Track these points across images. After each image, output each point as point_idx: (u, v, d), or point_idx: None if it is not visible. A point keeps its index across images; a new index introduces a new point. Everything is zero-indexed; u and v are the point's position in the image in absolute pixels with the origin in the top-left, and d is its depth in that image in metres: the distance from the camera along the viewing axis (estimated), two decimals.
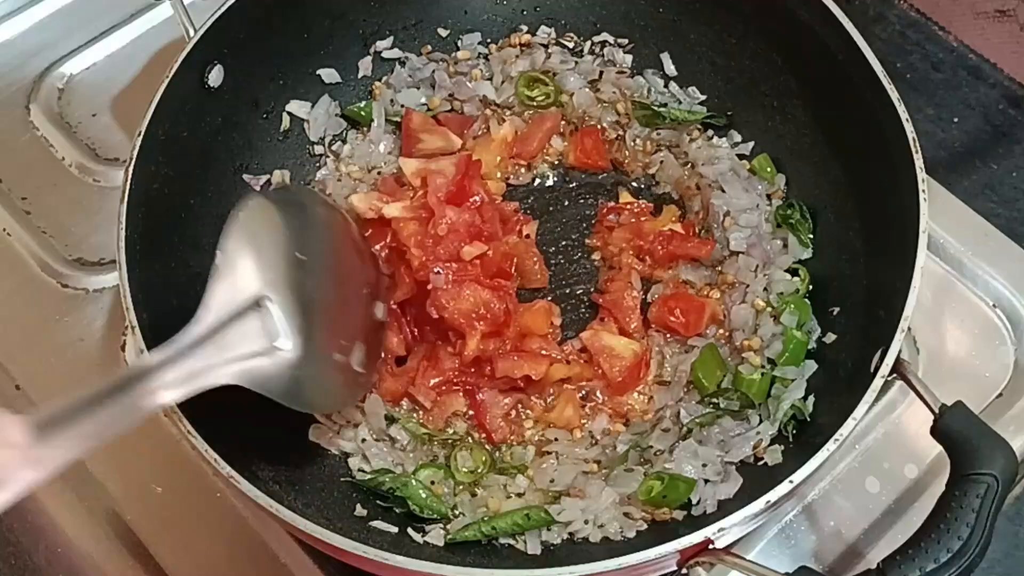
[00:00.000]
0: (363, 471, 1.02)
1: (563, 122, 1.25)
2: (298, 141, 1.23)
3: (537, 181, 1.23)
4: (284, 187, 1.14)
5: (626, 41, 1.28)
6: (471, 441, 1.05)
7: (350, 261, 1.02)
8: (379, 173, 1.22)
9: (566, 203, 1.21)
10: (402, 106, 1.25)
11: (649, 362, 1.09)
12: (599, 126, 1.24)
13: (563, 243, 1.19)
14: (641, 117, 1.22)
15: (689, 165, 1.21)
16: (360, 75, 1.26)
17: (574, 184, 1.23)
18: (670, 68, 1.26)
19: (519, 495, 1.01)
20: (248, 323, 0.82)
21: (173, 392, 0.75)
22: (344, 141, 1.24)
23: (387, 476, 1.00)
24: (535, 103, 1.25)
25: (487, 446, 1.05)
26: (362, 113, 1.24)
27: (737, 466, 1.00)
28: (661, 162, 1.22)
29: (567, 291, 1.15)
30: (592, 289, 1.15)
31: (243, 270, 0.84)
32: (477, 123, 1.24)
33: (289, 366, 0.85)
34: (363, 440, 1.04)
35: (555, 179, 1.23)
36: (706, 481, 0.99)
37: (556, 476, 1.01)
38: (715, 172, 1.18)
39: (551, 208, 1.21)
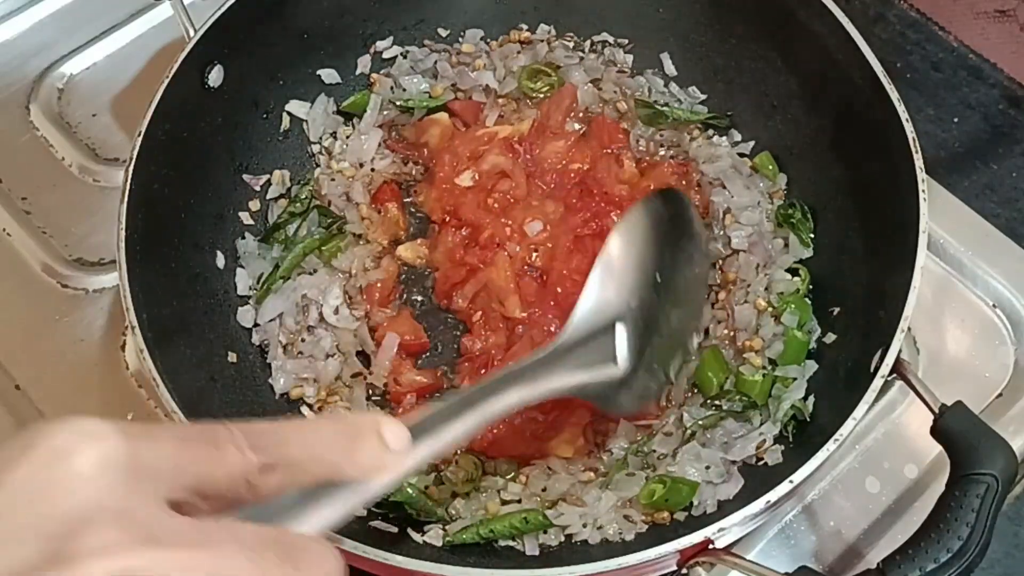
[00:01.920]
0: None
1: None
2: (298, 141, 1.23)
3: None
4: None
5: (626, 41, 1.28)
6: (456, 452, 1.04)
7: (693, 277, 1.02)
8: (372, 170, 1.22)
9: None
10: (404, 90, 1.25)
11: None
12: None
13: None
14: (644, 116, 1.22)
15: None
16: (359, 72, 1.26)
17: None
18: (670, 68, 1.26)
19: (516, 501, 1.01)
20: (598, 342, 0.84)
21: (525, 395, 0.76)
22: (335, 138, 1.24)
23: None
24: (540, 94, 1.25)
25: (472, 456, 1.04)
26: (356, 104, 1.24)
27: (738, 466, 1.00)
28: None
29: None
30: None
31: (610, 291, 0.87)
32: (487, 109, 1.23)
33: (616, 381, 0.87)
34: None
35: None
36: (708, 483, 0.99)
37: (548, 485, 1.01)
38: (716, 170, 1.17)
39: None
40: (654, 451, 1.02)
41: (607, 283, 0.88)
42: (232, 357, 1.07)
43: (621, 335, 0.86)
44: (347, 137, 1.24)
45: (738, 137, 1.21)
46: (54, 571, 0.44)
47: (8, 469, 0.47)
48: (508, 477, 1.03)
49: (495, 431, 1.03)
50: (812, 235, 1.12)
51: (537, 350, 0.81)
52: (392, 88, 1.25)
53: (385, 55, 1.26)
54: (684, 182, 1.18)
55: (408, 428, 0.58)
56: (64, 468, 0.47)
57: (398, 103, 1.24)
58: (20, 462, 0.47)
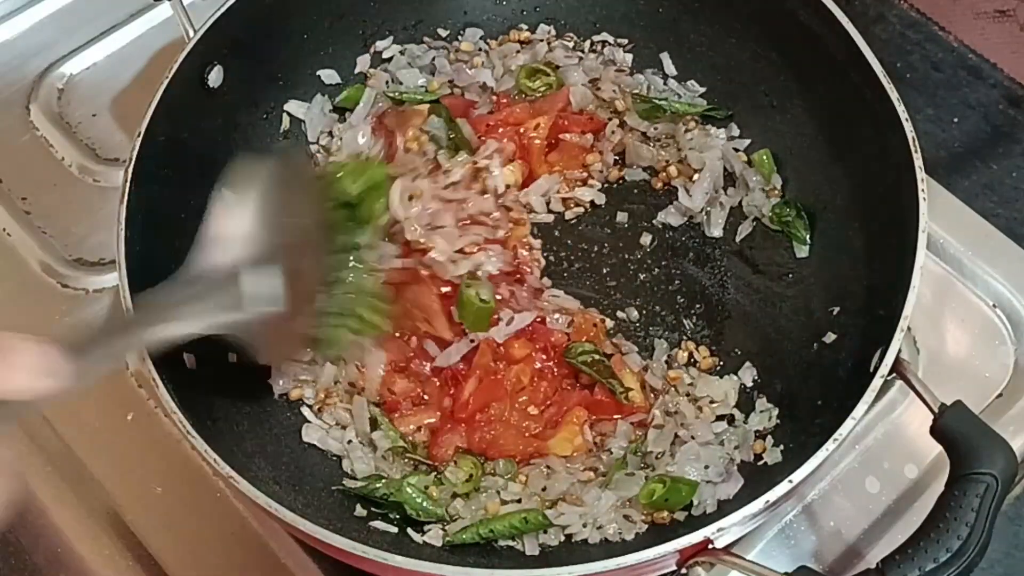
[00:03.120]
0: (353, 478, 1.02)
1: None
2: (298, 141, 1.23)
3: None
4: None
5: (626, 41, 1.28)
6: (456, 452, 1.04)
7: (318, 225, 1.02)
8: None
9: None
10: (400, 83, 1.25)
11: None
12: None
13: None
14: (641, 111, 1.22)
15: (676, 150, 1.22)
16: (358, 72, 1.26)
17: None
18: (670, 68, 1.26)
19: (516, 501, 1.01)
20: (227, 285, 0.85)
21: (163, 332, 0.79)
22: (332, 136, 1.24)
23: (380, 483, 0.99)
24: (537, 93, 1.24)
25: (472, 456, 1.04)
26: (350, 98, 1.24)
27: (738, 466, 1.00)
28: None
29: None
30: None
31: (231, 234, 0.87)
32: (480, 106, 1.23)
33: (254, 323, 0.86)
34: (349, 442, 1.04)
35: None
36: (707, 482, 0.99)
37: (548, 485, 1.01)
38: (701, 159, 1.18)
39: None
40: (651, 451, 1.02)
41: (230, 223, 0.88)
42: (232, 357, 1.07)
43: (249, 280, 0.85)
44: (342, 131, 1.23)
45: (736, 131, 1.21)
46: None
47: None
48: (508, 477, 1.03)
49: (494, 432, 1.03)
50: (809, 234, 1.12)
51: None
52: (388, 83, 1.25)
53: (385, 54, 1.27)
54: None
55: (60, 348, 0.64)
56: None
57: (392, 95, 1.24)
58: None
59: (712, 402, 1.06)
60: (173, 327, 0.80)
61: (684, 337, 1.12)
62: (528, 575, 0.83)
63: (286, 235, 0.90)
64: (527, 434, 1.04)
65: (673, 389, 1.07)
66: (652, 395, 1.07)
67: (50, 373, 0.64)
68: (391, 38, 1.27)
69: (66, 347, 0.66)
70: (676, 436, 1.03)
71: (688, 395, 1.07)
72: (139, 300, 0.79)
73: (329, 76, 1.24)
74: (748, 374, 1.08)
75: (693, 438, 1.02)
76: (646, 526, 0.98)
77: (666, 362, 1.09)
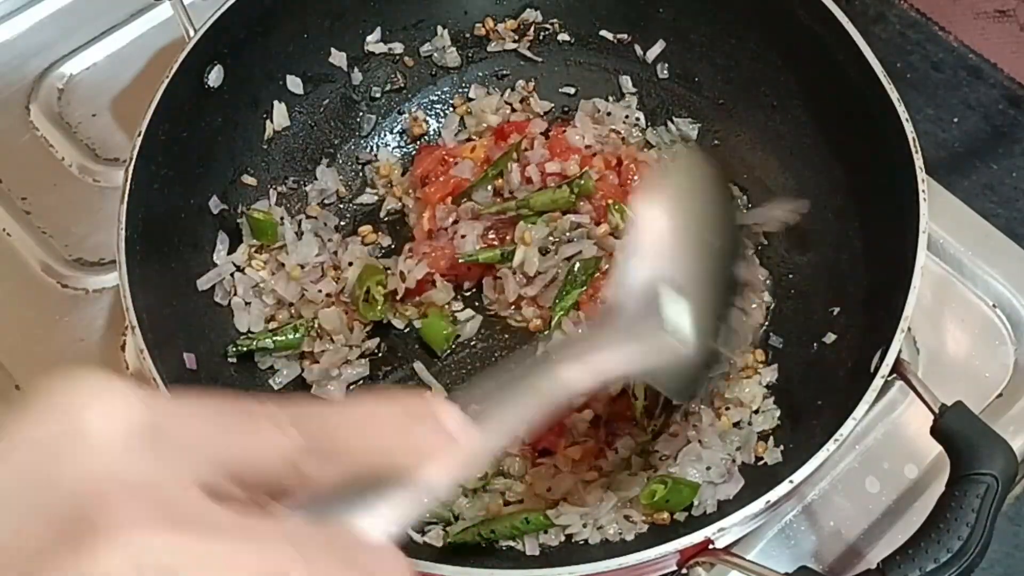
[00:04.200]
0: None
1: None
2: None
3: None
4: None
5: (626, 38, 1.28)
6: None
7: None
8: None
9: None
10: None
11: None
12: None
13: None
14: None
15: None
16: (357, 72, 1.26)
17: None
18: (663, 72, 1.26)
19: (518, 501, 1.01)
20: (647, 315, 0.76)
21: (586, 378, 0.67)
22: None
23: None
24: None
25: None
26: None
27: (739, 467, 1.00)
28: None
29: None
30: None
31: (645, 261, 0.79)
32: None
33: (677, 357, 0.77)
34: None
35: None
36: (708, 483, 0.99)
37: (553, 485, 1.01)
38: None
39: None
40: (657, 451, 1.02)
41: (640, 254, 0.79)
42: (232, 357, 1.08)
43: (670, 303, 0.76)
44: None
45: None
46: (66, 558, 0.35)
47: (9, 434, 0.38)
48: (518, 477, 1.03)
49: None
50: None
51: (589, 331, 0.76)
52: None
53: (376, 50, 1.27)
54: None
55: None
56: (76, 431, 0.38)
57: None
58: (24, 425, 0.39)
59: (740, 405, 1.05)
60: (600, 369, 0.68)
61: None
62: (528, 575, 0.83)
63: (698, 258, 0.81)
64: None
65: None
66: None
67: (458, 442, 0.48)
68: (390, 37, 1.27)
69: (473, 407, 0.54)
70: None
71: (713, 403, 1.06)
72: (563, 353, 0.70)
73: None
74: (769, 374, 1.08)
75: (700, 441, 1.02)
76: (646, 526, 0.98)
77: None
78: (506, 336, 1.12)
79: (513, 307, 1.12)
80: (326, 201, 1.21)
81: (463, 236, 1.12)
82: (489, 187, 1.17)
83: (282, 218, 1.16)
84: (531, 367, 0.63)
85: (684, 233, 0.82)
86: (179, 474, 0.39)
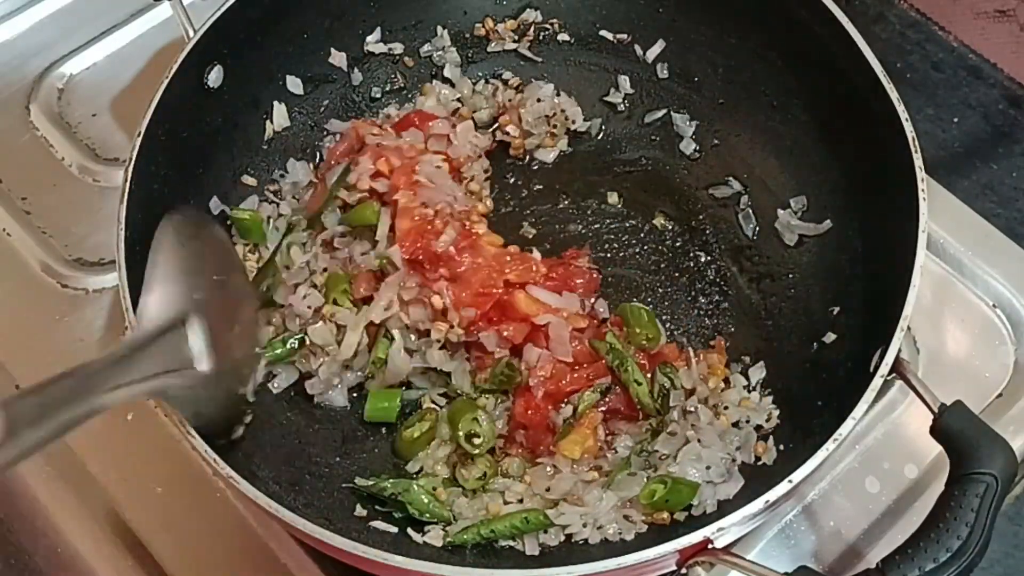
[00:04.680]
0: (363, 477, 1.02)
1: None
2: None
3: None
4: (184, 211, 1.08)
5: (626, 37, 1.28)
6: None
7: (239, 279, 1.06)
8: None
9: None
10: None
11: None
12: None
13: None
14: None
15: None
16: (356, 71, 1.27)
17: None
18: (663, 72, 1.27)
19: (518, 501, 1.01)
20: (170, 340, 0.84)
21: (114, 397, 0.77)
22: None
23: (388, 482, 1.00)
24: None
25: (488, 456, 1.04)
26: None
27: (738, 466, 1.00)
28: None
29: None
30: None
31: (172, 287, 0.87)
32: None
33: (198, 384, 0.86)
34: None
35: None
36: (708, 483, 0.99)
37: (552, 485, 1.01)
38: None
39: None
40: (656, 451, 1.02)
41: (170, 276, 0.88)
42: None
43: (195, 332, 0.85)
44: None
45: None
46: None
47: None
48: (517, 477, 1.03)
49: (529, 411, 1.03)
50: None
51: (107, 351, 0.80)
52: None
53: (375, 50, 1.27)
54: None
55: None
56: None
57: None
58: None
59: (733, 407, 1.05)
60: (121, 393, 0.77)
61: (687, 337, 1.12)
62: (528, 575, 0.83)
63: (206, 291, 0.90)
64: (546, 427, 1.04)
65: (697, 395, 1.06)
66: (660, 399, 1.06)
67: None
68: (390, 36, 1.27)
69: (12, 419, 0.64)
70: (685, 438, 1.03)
71: (708, 401, 1.06)
72: (84, 371, 0.77)
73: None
74: (756, 374, 1.08)
75: (699, 441, 1.02)
76: (646, 526, 0.98)
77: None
78: None
79: None
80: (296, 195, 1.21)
81: None
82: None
83: (269, 217, 1.16)
84: (68, 387, 0.74)
85: (204, 268, 0.91)
86: None
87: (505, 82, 1.29)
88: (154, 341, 0.82)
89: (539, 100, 1.25)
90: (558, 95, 1.26)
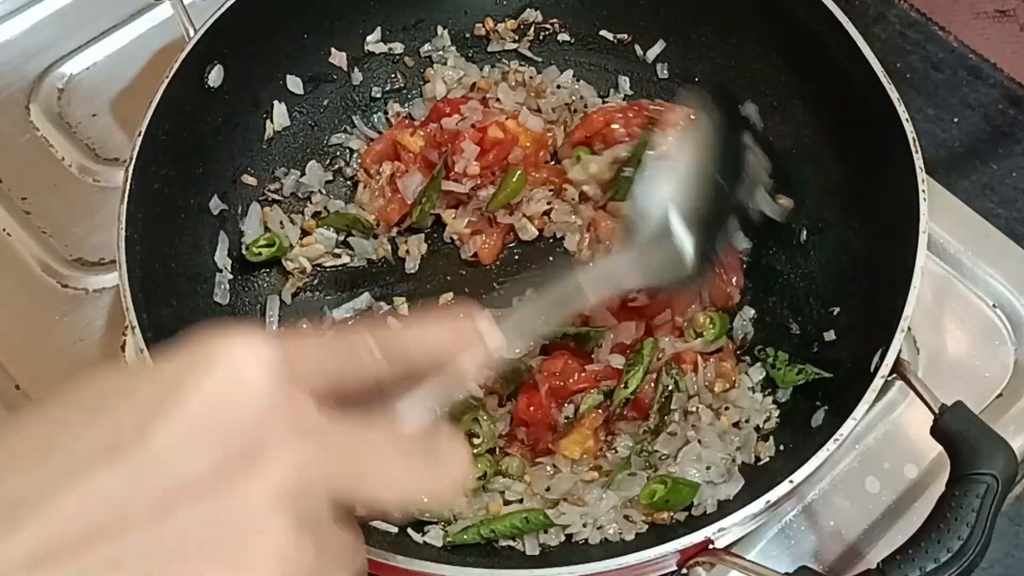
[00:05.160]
0: None
1: None
2: None
3: None
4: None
5: (627, 37, 1.28)
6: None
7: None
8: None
9: None
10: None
11: None
12: None
13: None
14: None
15: None
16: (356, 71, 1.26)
17: None
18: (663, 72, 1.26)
19: (518, 501, 1.01)
20: (662, 236, 0.87)
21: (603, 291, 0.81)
22: None
23: None
24: None
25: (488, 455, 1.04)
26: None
27: (739, 467, 1.00)
28: None
29: None
30: None
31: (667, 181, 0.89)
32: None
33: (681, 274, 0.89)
34: None
35: None
36: (708, 483, 0.99)
37: (552, 484, 1.01)
38: None
39: None
40: (656, 451, 1.02)
41: (657, 179, 0.90)
42: None
43: (679, 225, 0.88)
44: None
45: None
46: (243, 470, 0.48)
47: (188, 390, 0.49)
48: (516, 477, 1.03)
49: (532, 408, 1.03)
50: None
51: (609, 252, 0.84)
52: None
53: (376, 50, 1.27)
54: None
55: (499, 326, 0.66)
56: (242, 386, 0.50)
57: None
58: (199, 384, 0.49)
59: (733, 407, 1.05)
60: (610, 287, 0.82)
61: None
62: (528, 575, 0.83)
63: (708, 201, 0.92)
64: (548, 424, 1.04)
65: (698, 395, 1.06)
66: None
67: (489, 348, 0.65)
68: (391, 36, 1.26)
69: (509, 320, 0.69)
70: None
71: (711, 402, 1.06)
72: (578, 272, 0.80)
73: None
74: (756, 374, 1.08)
75: (699, 441, 1.02)
76: (646, 526, 0.98)
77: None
78: None
79: None
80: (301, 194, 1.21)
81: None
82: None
83: (281, 222, 1.17)
84: (552, 276, 0.78)
85: (696, 167, 0.92)
86: (307, 400, 0.53)
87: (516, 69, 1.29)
88: (647, 244, 0.86)
89: (559, 87, 1.26)
90: (577, 81, 1.27)
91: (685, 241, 0.88)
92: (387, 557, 0.83)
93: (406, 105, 1.27)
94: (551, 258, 1.18)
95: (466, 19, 1.29)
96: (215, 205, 1.13)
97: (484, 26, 1.29)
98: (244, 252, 1.14)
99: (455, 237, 1.19)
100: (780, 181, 1.17)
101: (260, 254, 1.13)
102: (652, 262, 0.86)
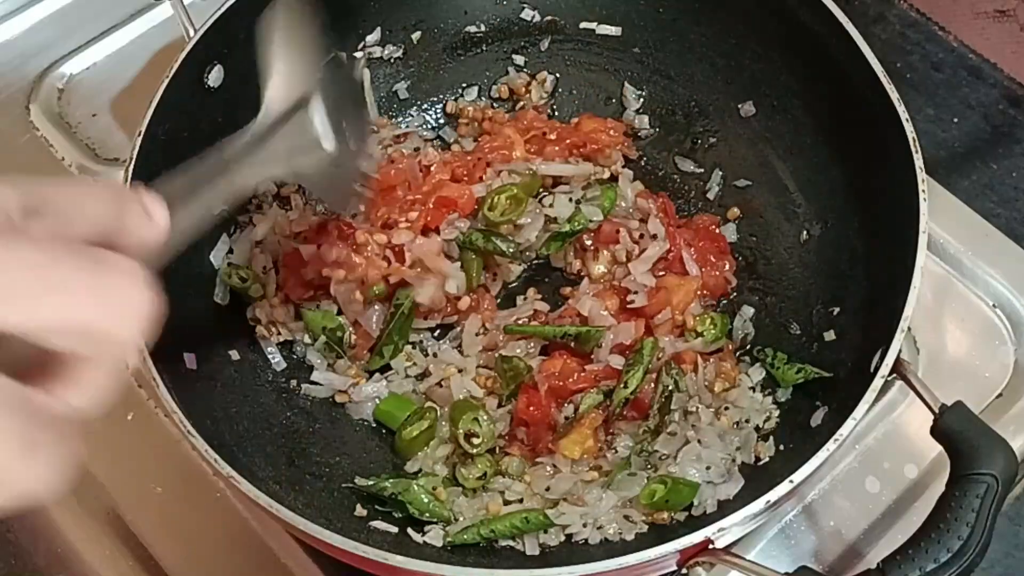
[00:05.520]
0: (363, 477, 1.02)
1: None
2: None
3: None
4: None
5: (619, 30, 1.28)
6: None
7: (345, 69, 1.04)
8: None
9: None
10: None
11: None
12: None
13: None
14: None
15: None
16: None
17: None
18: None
19: (518, 500, 1.01)
20: (298, 120, 0.84)
21: (253, 173, 0.79)
22: None
23: (388, 482, 1.00)
24: None
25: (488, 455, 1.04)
26: None
27: (739, 466, 1.00)
28: None
29: None
30: None
31: (293, 67, 0.86)
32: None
33: (324, 163, 0.86)
34: None
35: None
36: (708, 483, 0.99)
37: (552, 484, 1.01)
38: None
39: None
40: (656, 451, 1.02)
41: (290, 57, 0.87)
42: (233, 355, 1.08)
43: (318, 110, 0.85)
44: None
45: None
46: None
47: None
48: (517, 477, 1.03)
49: (532, 407, 1.03)
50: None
51: (239, 132, 0.82)
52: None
53: (381, 55, 1.26)
54: None
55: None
56: None
57: None
58: None
59: (734, 407, 1.05)
60: (259, 170, 0.79)
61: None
62: (528, 575, 0.83)
63: (322, 60, 0.90)
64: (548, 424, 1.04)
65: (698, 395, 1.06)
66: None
67: (157, 223, 0.63)
68: (390, 37, 1.27)
69: (167, 197, 0.65)
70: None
71: (710, 402, 1.06)
72: (222, 150, 0.79)
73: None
74: (756, 374, 1.08)
75: (699, 441, 1.02)
76: (646, 526, 0.98)
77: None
78: None
79: None
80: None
81: None
82: None
83: (264, 267, 1.16)
84: (210, 167, 0.78)
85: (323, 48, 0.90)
86: None
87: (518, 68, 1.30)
88: (284, 122, 0.83)
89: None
90: None
91: (324, 125, 0.85)
92: (387, 557, 0.83)
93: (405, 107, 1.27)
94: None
95: (466, 19, 1.29)
96: None
97: (484, 26, 1.29)
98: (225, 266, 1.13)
99: None
100: (780, 181, 1.18)
101: (231, 277, 1.11)
102: (296, 146, 0.83)
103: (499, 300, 1.15)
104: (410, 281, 1.09)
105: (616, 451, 1.04)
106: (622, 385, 1.02)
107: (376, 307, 1.10)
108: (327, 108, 0.85)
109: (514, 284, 1.17)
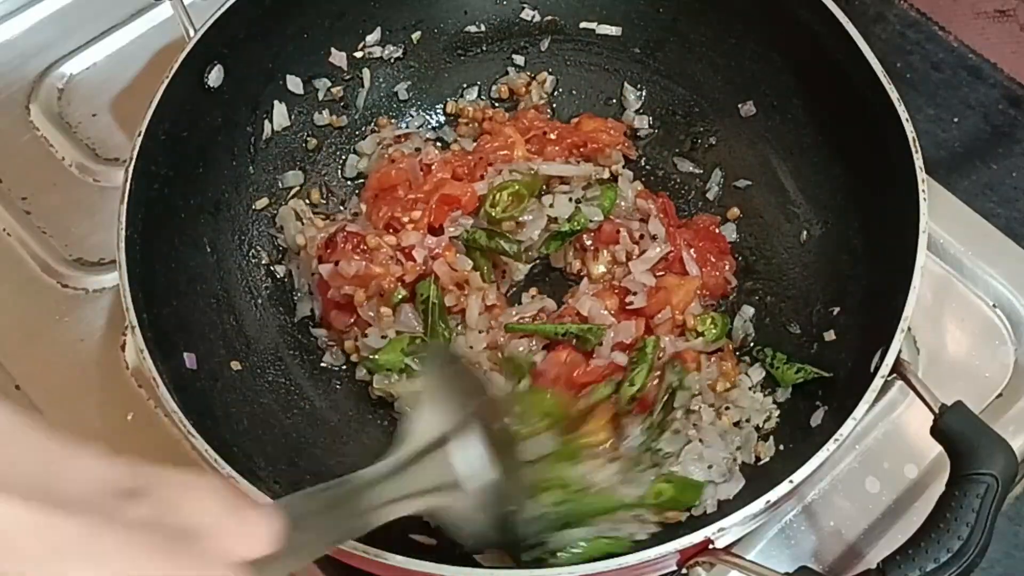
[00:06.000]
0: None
1: None
2: None
3: None
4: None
5: (618, 30, 1.28)
6: None
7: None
8: None
9: None
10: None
11: None
12: None
13: None
14: None
15: None
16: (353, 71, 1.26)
17: None
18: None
19: None
20: (436, 458, 0.80)
21: (386, 512, 0.74)
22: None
23: None
24: None
25: None
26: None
27: (739, 466, 1.00)
28: None
29: None
30: None
31: (435, 407, 0.83)
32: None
33: (465, 503, 0.81)
34: None
35: None
36: (708, 482, 0.98)
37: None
38: None
39: None
40: (661, 450, 1.02)
41: (434, 397, 0.84)
42: (234, 361, 1.07)
43: (459, 449, 0.80)
44: None
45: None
46: None
47: None
48: None
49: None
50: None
51: (375, 466, 0.77)
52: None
53: (381, 55, 1.26)
54: None
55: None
56: None
57: None
58: None
59: (734, 407, 1.05)
60: (392, 509, 0.74)
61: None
62: (528, 575, 0.83)
63: (471, 404, 0.85)
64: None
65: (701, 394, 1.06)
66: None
67: (273, 544, 0.59)
68: (390, 37, 1.27)
69: (290, 520, 0.61)
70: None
71: (712, 401, 1.06)
72: (356, 481, 0.73)
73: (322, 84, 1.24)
74: (756, 374, 1.08)
75: (701, 440, 1.01)
76: (657, 527, 0.97)
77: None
78: None
79: None
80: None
81: None
82: None
83: (299, 217, 1.17)
84: (344, 493, 0.71)
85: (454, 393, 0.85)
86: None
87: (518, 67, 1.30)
88: (421, 458, 0.79)
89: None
90: None
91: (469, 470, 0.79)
92: (387, 557, 0.83)
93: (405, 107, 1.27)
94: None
95: (466, 19, 1.29)
96: (215, 206, 1.13)
97: (484, 25, 1.29)
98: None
99: None
100: (780, 182, 1.18)
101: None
102: (436, 487, 0.78)
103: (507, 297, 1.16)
104: (435, 270, 1.09)
105: (627, 446, 1.03)
106: (628, 383, 1.02)
107: (407, 309, 1.09)
108: (470, 447, 0.80)
109: (518, 284, 1.17)
